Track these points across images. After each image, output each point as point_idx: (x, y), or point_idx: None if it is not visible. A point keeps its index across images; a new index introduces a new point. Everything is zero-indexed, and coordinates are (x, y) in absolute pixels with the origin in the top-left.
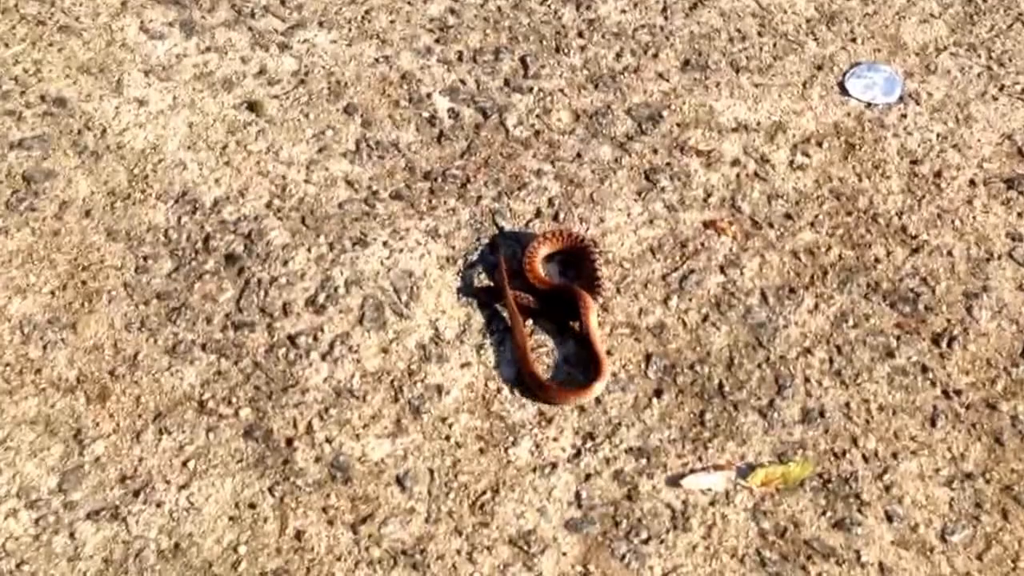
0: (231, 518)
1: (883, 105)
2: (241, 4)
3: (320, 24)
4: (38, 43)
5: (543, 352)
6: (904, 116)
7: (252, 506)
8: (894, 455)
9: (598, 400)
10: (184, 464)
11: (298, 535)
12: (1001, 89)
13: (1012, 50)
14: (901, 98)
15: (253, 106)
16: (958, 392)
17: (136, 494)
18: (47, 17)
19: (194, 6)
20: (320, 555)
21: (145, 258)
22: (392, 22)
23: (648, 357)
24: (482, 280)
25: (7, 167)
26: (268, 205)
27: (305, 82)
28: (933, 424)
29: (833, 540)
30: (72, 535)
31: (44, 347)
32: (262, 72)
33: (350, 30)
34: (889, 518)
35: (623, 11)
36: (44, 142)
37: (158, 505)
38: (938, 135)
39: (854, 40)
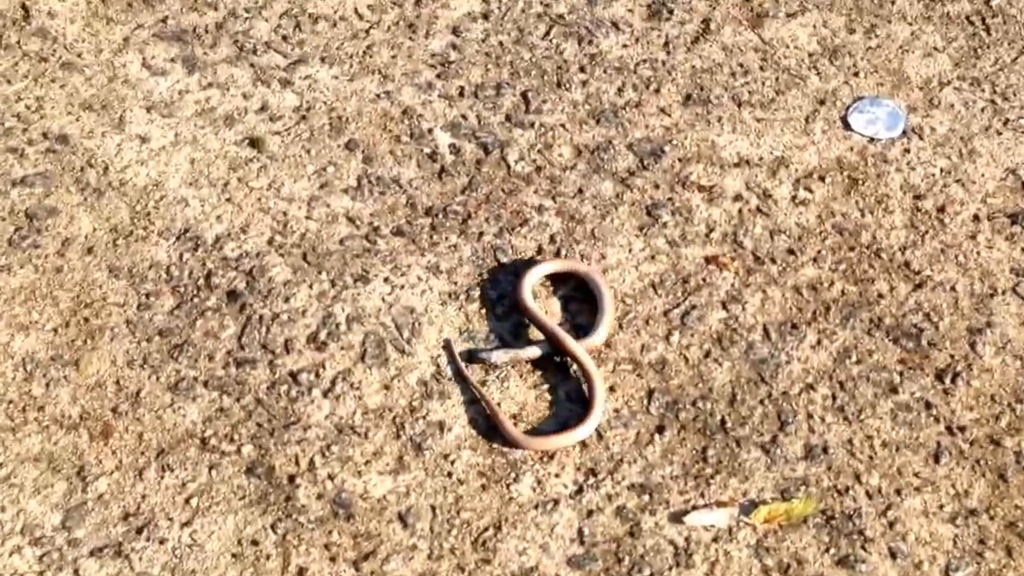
0: (234, 555)
1: (886, 140)
2: (243, 40)
3: (322, 60)
4: (40, 80)
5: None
6: (907, 151)
7: (255, 543)
8: (898, 492)
9: (600, 436)
10: (187, 501)
11: (301, 572)
12: (1005, 123)
13: (1017, 84)
14: (904, 133)
15: (255, 142)
16: (962, 428)
17: (139, 531)
18: (49, 54)
19: (196, 42)
20: None
21: (147, 295)
22: (394, 57)
23: (650, 393)
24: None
25: (10, 204)
26: (270, 242)
27: (307, 118)
28: (937, 460)
29: None
30: (76, 572)
31: (47, 384)
32: (264, 108)
33: (351, 66)
34: (893, 555)
35: (625, 46)
36: (47, 179)
37: (161, 542)
38: (941, 170)
39: (857, 74)
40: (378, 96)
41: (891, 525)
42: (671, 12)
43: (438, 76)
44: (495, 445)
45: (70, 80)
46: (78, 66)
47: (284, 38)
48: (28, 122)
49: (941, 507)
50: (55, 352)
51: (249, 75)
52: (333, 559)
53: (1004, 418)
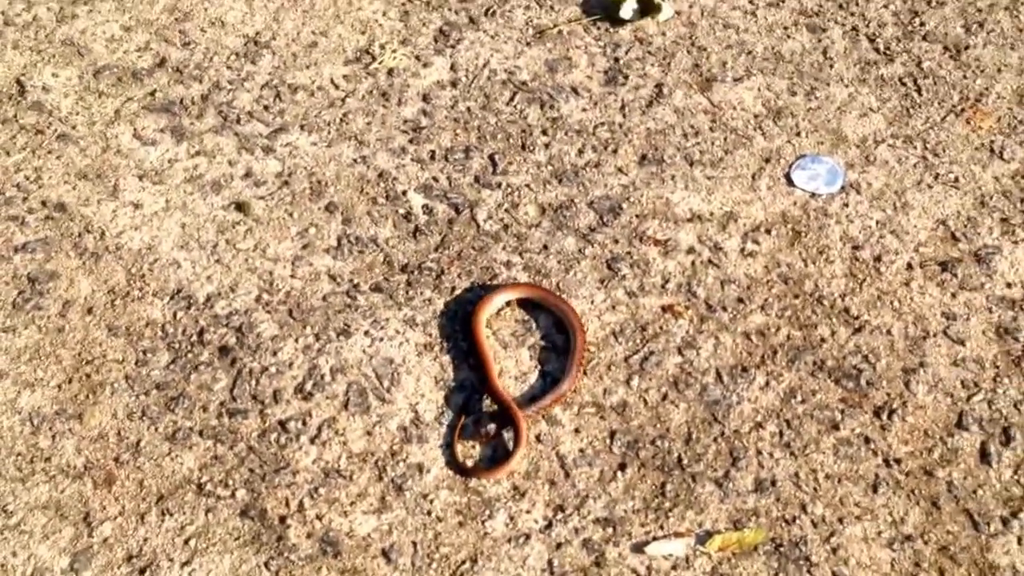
0: None
1: (826, 195)
2: (227, 110)
3: (301, 127)
4: (38, 151)
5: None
6: (846, 205)
7: None
8: (840, 520)
9: (567, 474)
10: (186, 543)
11: None
12: (936, 178)
13: (945, 141)
14: (843, 188)
15: (241, 207)
16: (898, 461)
17: (142, 572)
18: (45, 126)
19: (183, 113)
20: None
21: (144, 351)
22: (368, 124)
23: (613, 434)
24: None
25: (13, 269)
26: (257, 299)
27: (288, 183)
28: (875, 491)
29: None
30: None
31: (53, 437)
32: (248, 174)
33: (329, 132)
34: None
35: (584, 109)
36: (47, 245)
37: None
38: (877, 222)
39: (799, 134)
40: (355, 161)
41: (834, 551)
42: (626, 77)
43: (410, 141)
44: (470, 485)
45: (66, 151)
46: (73, 138)
47: (265, 108)
48: (27, 191)
49: (880, 533)
50: (60, 407)
51: (234, 143)
52: None
53: (936, 451)
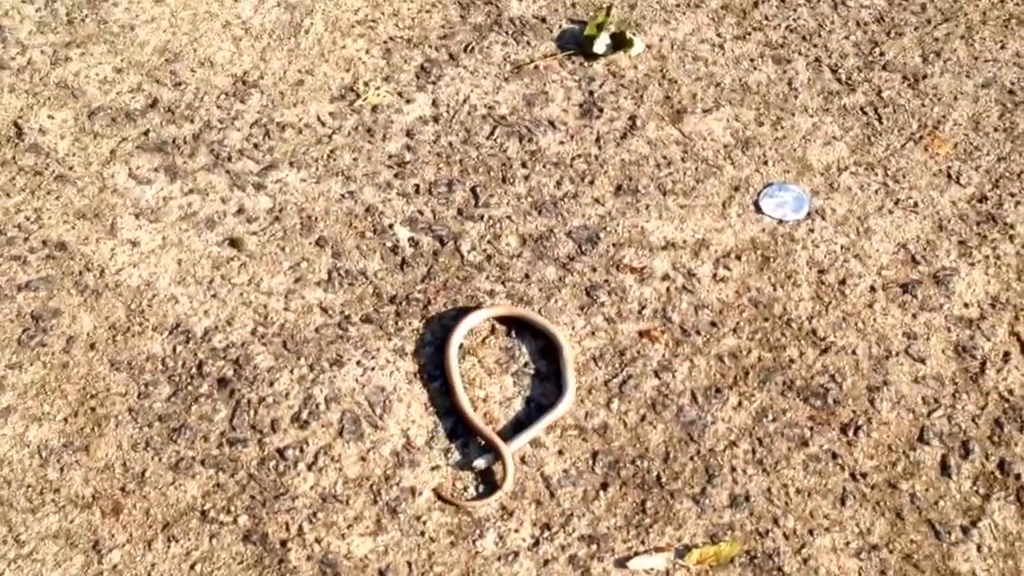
0: None
1: (793, 221)
2: (218, 149)
3: (290, 164)
4: (37, 192)
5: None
6: (812, 230)
7: None
8: (810, 532)
9: (552, 494)
10: (192, 568)
11: None
12: (896, 203)
13: (905, 167)
14: (809, 214)
15: (234, 242)
16: (864, 475)
17: None
18: (43, 168)
19: (176, 152)
20: None
21: (146, 385)
22: (355, 160)
23: (595, 455)
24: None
25: (16, 307)
26: (253, 332)
27: (280, 218)
28: (843, 503)
29: None
30: None
31: (61, 469)
32: (240, 211)
33: (317, 169)
34: None
35: (561, 143)
36: (49, 283)
37: None
38: (842, 247)
39: (766, 163)
40: (343, 196)
41: (805, 561)
42: (601, 110)
43: (395, 176)
44: (462, 508)
45: (64, 191)
46: (70, 178)
47: (255, 145)
48: (28, 231)
49: (847, 544)
50: (67, 439)
51: (226, 181)
52: None
53: (900, 464)
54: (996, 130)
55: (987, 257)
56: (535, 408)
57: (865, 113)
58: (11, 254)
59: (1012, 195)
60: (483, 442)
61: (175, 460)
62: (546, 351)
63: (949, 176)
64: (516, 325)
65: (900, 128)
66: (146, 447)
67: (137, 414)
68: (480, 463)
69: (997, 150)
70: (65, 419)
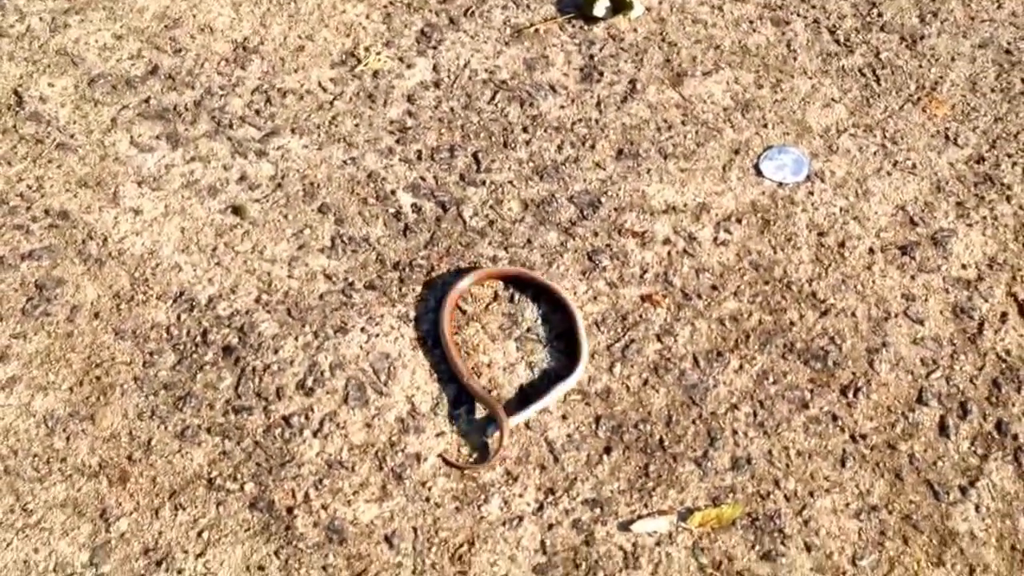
0: None
1: (793, 184)
2: (220, 116)
3: (292, 131)
4: (38, 160)
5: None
6: (811, 193)
7: (261, 568)
8: (811, 494)
9: (556, 459)
10: (199, 535)
11: None
12: (895, 165)
13: (903, 129)
14: (808, 177)
15: (237, 210)
16: (863, 436)
17: (159, 564)
18: (44, 136)
19: (177, 120)
20: None
21: (151, 353)
22: (356, 126)
23: (598, 419)
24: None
25: (20, 277)
26: (257, 300)
27: (282, 185)
28: (843, 465)
29: (762, 570)
30: None
31: (67, 438)
32: (243, 178)
33: (319, 135)
34: (808, 548)
35: (562, 107)
36: (52, 252)
37: (179, 572)
38: (841, 209)
39: (766, 126)
40: (345, 162)
41: (806, 523)
42: (601, 75)
43: (397, 142)
44: (466, 471)
45: (65, 160)
46: (72, 146)
47: (257, 112)
48: (30, 200)
49: (847, 505)
50: (72, 409)
51: (227, 148)
52: None
53: (899, 425)
54: (993, 91)
55: (984, 218)
56: (541, 375)
57: (863, 75)
58: (14, 223)
59: (1009, 156)
60: (485, 409)
61: (181, 428)
62: (549, 316)
63: (947, 137)
64: (520, 287)
65: (898, 90)
66: (152, 416)
67: (142, 383)
68: (492, 430)
69: (994, 111)
70: (70, 388)
